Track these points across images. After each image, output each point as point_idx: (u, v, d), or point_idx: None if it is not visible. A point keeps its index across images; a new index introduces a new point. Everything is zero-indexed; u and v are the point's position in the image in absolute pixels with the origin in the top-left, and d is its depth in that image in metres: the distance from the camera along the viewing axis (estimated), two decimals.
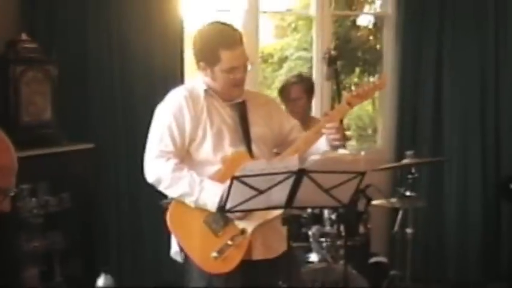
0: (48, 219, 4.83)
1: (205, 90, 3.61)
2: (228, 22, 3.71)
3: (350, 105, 3.74)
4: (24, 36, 4.83)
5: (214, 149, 3.55)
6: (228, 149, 3.57)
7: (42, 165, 4.64)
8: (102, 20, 5.37)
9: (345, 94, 3.84)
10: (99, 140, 5.27)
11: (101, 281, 4.36)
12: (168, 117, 3.56)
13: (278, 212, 3.48)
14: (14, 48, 4.76)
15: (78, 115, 5.33)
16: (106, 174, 5.45)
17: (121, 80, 5.47)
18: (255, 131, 3.66)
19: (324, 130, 3.63)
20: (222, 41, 3.50)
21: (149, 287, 5.51)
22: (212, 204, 3.44)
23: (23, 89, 4.75)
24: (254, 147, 3.62)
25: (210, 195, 3.44)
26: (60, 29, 5.23)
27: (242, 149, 3.59)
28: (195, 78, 3.73)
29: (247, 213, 3.46)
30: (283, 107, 5.40)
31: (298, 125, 3.91)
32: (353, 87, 8.67)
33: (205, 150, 3.56)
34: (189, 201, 3.49)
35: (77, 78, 5.30)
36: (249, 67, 3.63)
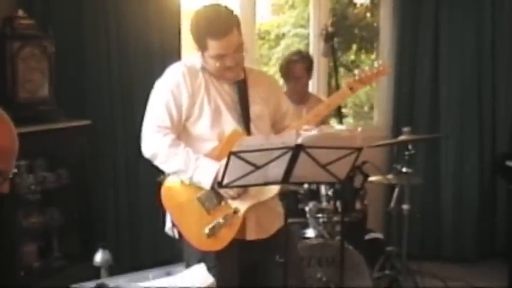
0: (45, 195, 4.86)
1: (203, 68, 3.61)
2: (224, 5, 3.63)
3: (352, 90, 3.77)
4: (20, 13, 4.82)
5: (211, 125, 3.55)
6: (225, 126, 3.57)
7: (40, 142, 4.65)
8: None
9: (347, 79, 3.85)
10: (96, 116, 5.27)
11: (98, 256, 4.38)
12: (165, 93, 3.55)
13: (272, 193, 3.52)
14: (11, 25, 4.75)
15: (75, 91, 5.33)
16: (103, 150, 5.45)
17: (118, 57, 5.46)
18: (254, 109, 3.65)
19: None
20: (209, 30, 3.46)
21: (147, 262, 5.53)
22: (206, 183, 3.45)
23: (20, 66, 4.75)
24: (252, 126, 3.61)
25: (205, 173, 3.44)
26: (56, 5, 5.21)
27: (240, 126, 3.58)
28: (195, 54, 3.72)
29: (240, 193, 3.47)
30: (283, 84, 5.43)
31: (292, 111, 3.88)
32: (350, 64, 8.69)
33: (202, 126, 3.56)
34: (184, 178, 3.50)
35: (73, 54, 5.29)
36: (245, 53, 3.60)
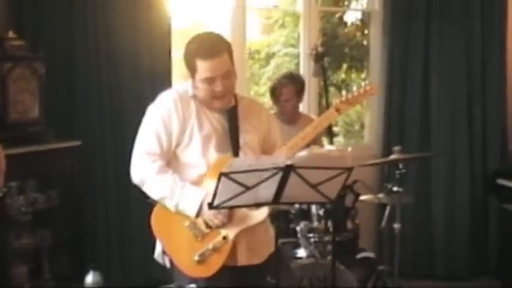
0: (36, 216, 4.84)
1: (193, 95, 3.61)
2: (217, 32, 3.68)
3: (338, 111, 3.78)
4: (11, 34, 4.83)
5: (201, 152, 3.56)
6: (214, 154, 3.57)
7: (30, 163, 4.64)
8: (89, 18, 5.37)
9: (335, 100, 3.85)
10: (86, 137, 5.27)
11: (89, 278, 4.36)
12: (156, 120, 3.57)
13: (261, 217, 3.52)
14: (1, 46, 4.74)
15: (66, 112, 5.33)
16: (94, 171, 5.45)
17: (108, 77, 5.47)
18: (244, 137, 3.66)
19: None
20: (198, 51, 3.49)
21: (137, 284, 5.51)
22: (192, 211, 3.46)
23: (10, 87, 4.75)
24: (241, 154, 3.62)
25: (190, 201, 3.45)
26: (47, 26, 5.23)
27: (228, 154, 3.59)
28: (185, 81, 3.73)
29: (225, 222, 3.47)
30: (273, 105, 5.45)
31: (279, 144, 3.85)
32: (340, 83, 8.71)
33: (191, 153, 3.57)
34: (170, 205, 3.50)
35: (64, 75, 5.30)
36: (236, 81, 3.62)
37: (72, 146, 5.07)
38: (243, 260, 3.58)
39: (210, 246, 3.49)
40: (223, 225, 3.48)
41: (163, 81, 5.51)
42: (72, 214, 5.13)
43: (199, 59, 3.47)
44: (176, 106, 3.55)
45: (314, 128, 3.76)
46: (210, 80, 3.48)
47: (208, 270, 3.48)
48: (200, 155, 3.55)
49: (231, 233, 3.51)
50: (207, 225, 3.50)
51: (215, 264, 3.48)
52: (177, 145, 3.57)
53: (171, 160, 3.59)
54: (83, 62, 5.37)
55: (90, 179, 5.41)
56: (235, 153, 3.59)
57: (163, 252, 3.64)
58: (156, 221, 3.58)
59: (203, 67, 3.47)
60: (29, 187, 4.83)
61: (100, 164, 5.49)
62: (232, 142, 3.61)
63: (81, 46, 5.36)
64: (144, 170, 3.53)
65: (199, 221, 3.50)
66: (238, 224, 3.50)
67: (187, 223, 3.51)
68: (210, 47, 3.50)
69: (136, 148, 3.61)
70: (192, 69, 3.53)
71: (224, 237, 3.50)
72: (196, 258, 3.47)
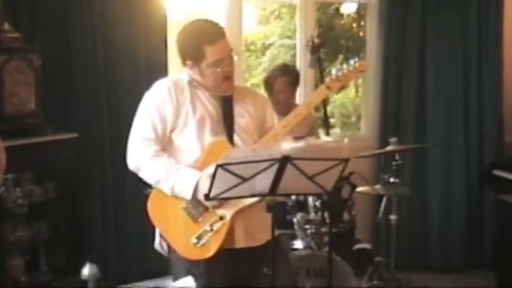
0: (32, 209, 4.83)
1: (189, 82, 3.63)
2: (209, 18, 3.76)
3: (329, 89, 3.76)
4: (6, 26, 4.81)
5: (196, 136, 3.57)
6: (209, 138, 3.58)
7: (27, 155, 4.63)
8: (85, 10, 5.37)
9: (325, 78, 3.85)
10: (83, 129, 5.27)
11: (86, 270, 4.35)
12: (151, 107, 3.59)
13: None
14: None
15: (62, 105, 5.33)
16: (90, 163, 5.45)
17: (104, 70, 5.47)
18: (239, 121, 3.69)
19: None
20: (205, 37, 3.54)
21: (134, 275, 5.51)
22: (187, 192, 3.46)
23: (6, 79, 4.74)
24: (236, 137, 3.64)
25: (186, 183, 3.46)
26: (43, 18, 5.23)
27: (223, 138, 3.61)
28: (181, 72, 3.76)
29: (222, 201, 3.47)
30: (267, 96, 5.44)
31: (276, 125, 3.88)
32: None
33: (186, 138, 3.58)
34: (166, 187, 3.51)
35: (60, 67, 5.30)
36: (236, 58, 3.67)
37: (69, 138, 5.07)
38: (240, 242, 3.59)
39: (207, 227, 3.49)
40: (220, 205, 3.49)
41: (159, 73, 5.49)
42: (68, 206, 5.13)
43: (207, 45, 3.52)
44: (170, 93, 3.58)
45: (306, 105, 3.76)
46: (218, 62, 3.55)
47: (206, 251, 3.48)
48: (195, 138, 3.57)
49: (228, 212, 3.51)
50: (204, 206, 3.51)
51: (213, 245, 3.48)
52: (172, 130, 3.59)
53: (166, 146, 3.61)
54: (79, 54, 5.38)
55: (87, 172, 5.42)
56: (230, 137, 3.62)
57: (161, 237, 3.65)
58: (152, 207, 3.60)
59: (212, 51, 3.53)
60: (26, 179, 4.82)
61: (97, 157, 5.50)
62: (227, 126, 3.65)
63: (77, 39, 5.37)
64: (140, 155, 3.55)
65: (195, 202, 3.49)
66: (234, 203, 3.50)
67: (183, 206, 3.52)
68: (214, 30, 3.60)
69: (132, 135, 3.62)
70: (197, 57, 3.57)
71: (221, 218, 3.50)
72: (193, 240, 3.48)
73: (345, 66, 3.80)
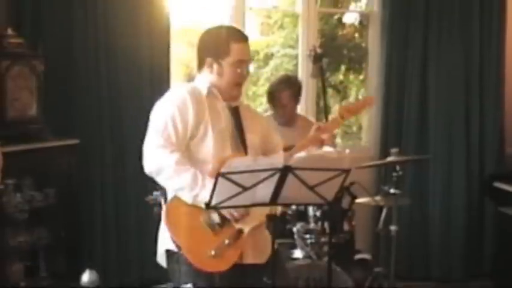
0: (33, 214, 4.82)
1: (208, 89, 3.64)
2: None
3: (343, 118, 3.82)
4: (10, 31, 4.82)
5: (215, 149, 3.56)
6: (227, 151, 3.59)
7: (28, 161, 4.64)
8: (88, 16, 5.38)
9: (338, 107, 3.92)
10: (84, 135, 5.27)
11: (85, 276, 4.37)
12: (171, 108, 3.55)
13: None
14: (0, 43, 4.74)
15: (64, 110, 5.33)
16: (91, 169, 5.45)
17: (107, 76, 5.48)
18: (250, 137, 3.71)
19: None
20: (233, 35, 3.64)
21: (134, 282, 5.51)
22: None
23: (8, 84, 4.74)
24: (249, 153, 3.65)
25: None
26: (46, 24, 5.23)
27: (242, 153, 3.63)
28: (197, 79, 3.76)
29: (244, 214, 3.47)
30: (270, 109, 5.46)
31: (281, 144, 3.91)
32: (338, 85, 8.70)
33: (205, 149, 3.56)
34: (189, 195, 3.45)
35: (62, 73, 5.30)
36: (251, 68, 3.73)
37: (70, 144, 5.07)
38: (248, 257, 3.58)
39: (226, 240, 3.48)
40: (241, 217, 3.49)
41: (162, 79, 5.52)
42: (69, 212, 5.12)
43: (234, 42, 3.61)
44: (191, 97, 3.57)
45: (322, 133, 3.79)
46: (240, 63, 3.62)
47: (223, 264, 3.46)
48: (214, 150, 3.56)
49: (246, 227, 3.51)
50: (223, 219, 3.49)
51: (230, 259, 3.47)
52: (192, 137, 3.56)
53: (183, 155, 3.55)
54: (81, 60, 5.38)
55: (88, 178, 5.41)
56: (245, 152, 3.65)
57: (167, 251, 3.62)
58: (169, 215, 3.53)
59: (238, 49, 3.61)
60: (26, 185, 4.81)
61: (98, 163, 5.49)
62: (241, 141, 3.68)
63: (80, 44, 5.37)
64: (162, 159, 3.46)
65: (215, 214, 3.48)
66: (252, 219, 3.51)
67: (203, 217, 3.49)
68: (241, 32, 3.73)
69: (151, 137, 3.55)
70: (221, 53, 3.62)
71: (240, 231, 3.50)
72: (212, 253, 3.44)
73: (355, 100, 3.93)
